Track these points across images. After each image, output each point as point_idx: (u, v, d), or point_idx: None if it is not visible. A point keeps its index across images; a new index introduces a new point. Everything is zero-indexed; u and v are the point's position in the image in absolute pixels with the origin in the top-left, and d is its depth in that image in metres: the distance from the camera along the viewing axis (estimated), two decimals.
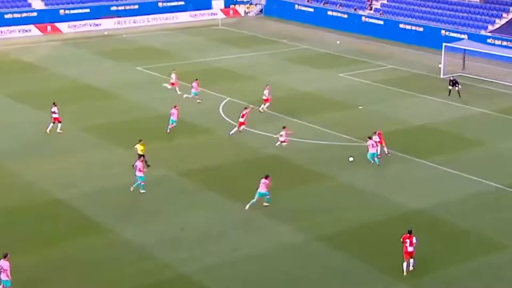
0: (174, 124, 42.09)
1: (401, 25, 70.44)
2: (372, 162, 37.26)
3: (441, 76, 56.59)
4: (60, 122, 42.03)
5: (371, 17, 73.31)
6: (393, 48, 67.42)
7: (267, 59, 63.37)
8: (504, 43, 61.69)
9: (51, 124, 41.96)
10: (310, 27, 77.31)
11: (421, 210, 32.50)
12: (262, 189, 31.82)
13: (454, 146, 40.77)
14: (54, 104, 42.29)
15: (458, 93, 50.06)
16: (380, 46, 68.70)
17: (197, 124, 44.48)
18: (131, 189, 33.93)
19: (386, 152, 38.52)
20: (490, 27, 65.78)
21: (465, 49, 58.20)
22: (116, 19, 77.75)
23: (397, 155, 39.30)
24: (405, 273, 26.82)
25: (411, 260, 26.90)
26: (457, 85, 50.36)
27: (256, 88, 50.37)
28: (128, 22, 78.20)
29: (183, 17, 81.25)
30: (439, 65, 57.65)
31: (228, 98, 49.61)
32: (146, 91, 52.03)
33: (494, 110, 47.57)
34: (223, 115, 46.32)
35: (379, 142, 38.13)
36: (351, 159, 37.51)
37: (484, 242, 29.66)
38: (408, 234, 26.86)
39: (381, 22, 72.34)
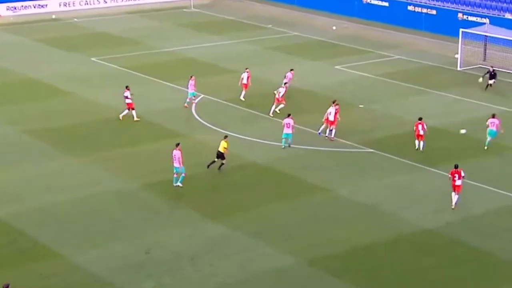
0: (194, 96, 46.86)
1: (410, 7, 71.12)
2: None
3: (458, 69, 57.22)
4: None
5: None
6: (400, 35, 67.97)
7: (249, 48, 63.64)
8: None
9: None
10: (300, 10, 77.69)
11: (434, 229, 32.83)
12: (287, 130, 39.54)
13: (474, 152, 41.25)
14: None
15: (488, 86, 50.62)
16: (384, 32, 69.23)
17: (165, 126, 44.64)
18: (177, 184, 35.74)
19: (332, 136, 41.12)
20: None
21: (486, 36, 58.86)
22: (65, 0, 77.77)
23: (405, 163, 39.71)
24: (453, 206, 33.74)
25: (456, 196, 33.83)
26: (494, 78, 50.88)
27: (235, 83, 50.61)
28: (80, 4, 78.26)
29: None
30: (456, 55, 58.27)
31: (202, 95, 49.82)
32: (104, 87, 52.12)
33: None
34: (196, 116, 46.52)
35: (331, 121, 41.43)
36: (463, 131, 40.08)
37: (509, 266, 30.09)
38: (455, 169, 33.81)
39: (386, 4, 72.99)
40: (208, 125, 44.78)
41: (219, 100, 49.31)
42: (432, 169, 38.86)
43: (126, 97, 45.01)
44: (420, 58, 60.59)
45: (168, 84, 52.63)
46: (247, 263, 29.95)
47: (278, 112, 45.92)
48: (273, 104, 46.25)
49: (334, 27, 70.12)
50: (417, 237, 32.09)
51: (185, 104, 47.72)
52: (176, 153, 36.01)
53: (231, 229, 32.37)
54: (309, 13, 76.62)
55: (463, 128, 41.69)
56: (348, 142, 42.32)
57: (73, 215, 33.75)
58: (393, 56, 61.22)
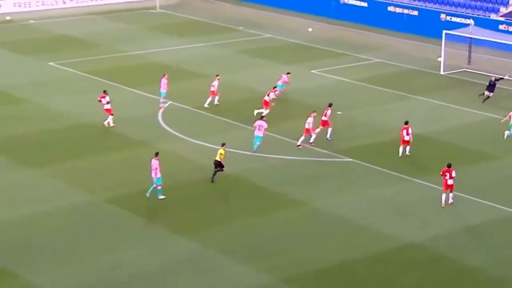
0: (164, 98, 47.75)
1: (390, 8, 71.49)
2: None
3: (441, 72, 57.55)
4: None
5: None
6: (380, 37, 68.26)
7: (219, 52, 63.56)
8: None
9: None
10: (273, 11, 77.81)
11: (418, 243, 32.81)
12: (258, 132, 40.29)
13: (459, 162, 41.27)
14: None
15: (486, 98, 50.14)
16: (363, 34, 69.48)
17: (129, 135, 44.41)
18: (147, 194, 35.64)
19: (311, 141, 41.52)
20: (503, 10, 67.11)
21: (471, 38, 59.24)
22: (20, 0, 77.17)
23: (386, 173, 39.74)
24: (443, 205, 35.35)
25: (450, 194, 35.40)
26: (492, 91, 50.11)
27: (205, 88, 50.52)
28: (36, 4, 77.70)
29: None
30: (439, 59, 58.58)
31: (170, 102, 49.62)
32: (63, 94, 51.81)
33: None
34: (162, 124, 46.31)
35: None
36: (310, 29, 39.48)
37: (497, 284, 30.10)
38: (447, 168, 35.27)
39: (365, 4, 73.31)
40: (176, 133, 44.57)
41: (187, 107, 49.13)
42: (416, 180, 38.90)
43: (108, 102, 45.02)
44: (401, 61, 60.83)
45: (133, 90, 52.36)
46: (219, 282, 29.73)
47: (255, 114, 46.01)
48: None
49: (310, 29, 70.25)
50: (399, 252, 32.05)
51: (160, 105, 48.29)
52: (154, 162, 35.88)
53: (202, 246, 32.15)
54: (283, 14, 76.74)
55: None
56: (325, 151, 42.29)
57: (30, 232, 33.33)
58: (372, 60, 61.42)
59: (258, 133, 41.34)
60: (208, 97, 48.95)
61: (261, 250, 32.11)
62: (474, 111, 49.28)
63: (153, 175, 35.85)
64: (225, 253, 31.66)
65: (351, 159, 41.35)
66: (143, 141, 43.41)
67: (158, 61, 60.25)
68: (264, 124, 41.39)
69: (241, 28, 71.64)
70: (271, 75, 56.41)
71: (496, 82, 50.66)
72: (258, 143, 41.44)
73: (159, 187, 35.94)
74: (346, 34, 69.55)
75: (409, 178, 39.12)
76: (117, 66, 58.40)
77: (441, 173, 35.70)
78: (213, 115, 47.83)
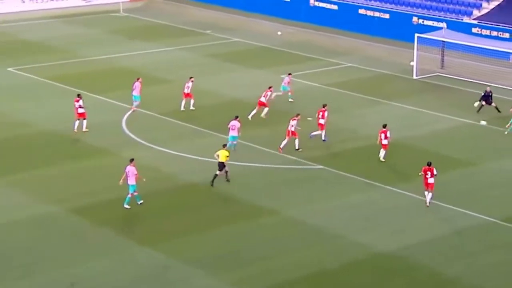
0: (138, 102, 48.12)
1: (361, 11, 71.66)
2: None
3: (414, 77, 57.77)
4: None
5: (322, 1, 74.36)
6: (352, 41, 68.38)
7: (186, 56, 63.37)
8: (494, 33, 63.40)
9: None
10: (242, 14, 77.75)
11: (392, 252, 32.78)
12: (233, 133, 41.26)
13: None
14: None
15: (497, 109, 49.32)
16: (334, 38, 69.59)
17: (92, 143, 44.05)
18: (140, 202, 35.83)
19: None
20: (476, 13, 67.55)
21: (444, 42, 59.53)
22: None
23: (360, 180, 39.70)
24: (427, 204, 36.40)
25: (430, 195, 36.28)
26: (490, 98, 49.57)
27: (171, 94, 50.15)
28: None
29: (72, 1, 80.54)
30: (411, 63, 58.78)
31: (134, 108, 49.34)
32: (23, 100, 51.34)
33: (484, 121, 48.68)
34: (126, 131, 45.99)
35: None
36: (483, 123, 42.00)
37: None
38: (427, 166, 36.22)
39: (335, 7, 73.44)
40: (141, 141, 44.28)
41: (152, 114, 48.85)
42: (389, 187, 38.91)
43: (80, 107, 45.00)
44: (373, 66, 60.98)
45: (96, 96, 51.94)
46: None
47: (264, 117, 47.27)
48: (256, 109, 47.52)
49: (279, 33, 70.26)
50: (373, 261, 31.98)
51: (133, 107, 48.83)
52: (130, 169, 35.79)
53: (169, 257, 31.87)
54: (252, 17, 76.69)
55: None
56: (297, 158, 42.18)
57: None
58: (344, 64, 61.51)
59: (232, 133, 42.14)
60: (182, 100, 49.09)
61: (231, 260, 31.89)
62: (448, 116, 49.43)
63: (129, 182, 35.76)
64: (192, 265, 31.38)
65: (323, 166, 41.28)
66: (106, 149, 43.09)
67: (122, 66, 59.90)
68: (237, 123, 42.12)
69: (208, 31, 71.50)
70: (240, 80, 56.40)
71: (491, 93, 50.31)
72: (234, 142, 42.07)
73: (136, 194, 35.90)
74: (316, 37, 69.64)
75: (382, 185, 39.10)
76: (80, 72, 57.96)
77: (421, 172, 36.53)
78: (179, 122, 47.56)
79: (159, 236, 33.53)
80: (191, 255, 32.15)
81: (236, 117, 42.66)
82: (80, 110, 45.08)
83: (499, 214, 36.08)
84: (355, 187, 38.98)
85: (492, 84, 54.45)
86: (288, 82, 51.69)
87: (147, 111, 49.20)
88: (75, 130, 44.92)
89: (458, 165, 41.86)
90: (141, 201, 36.10)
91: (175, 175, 39.57)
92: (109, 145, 43.61)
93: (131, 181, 35.78)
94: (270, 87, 48.81)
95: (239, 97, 52.15)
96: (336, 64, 61.53)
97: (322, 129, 44.10)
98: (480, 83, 54.33)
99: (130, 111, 48.47)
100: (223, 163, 38.54)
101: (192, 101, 49.39)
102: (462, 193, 38.36)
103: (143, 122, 47.60)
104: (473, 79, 54.73)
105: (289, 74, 52.62)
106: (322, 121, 44.07)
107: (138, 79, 49.20)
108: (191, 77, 49.79)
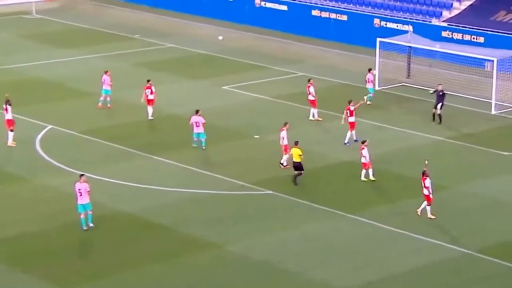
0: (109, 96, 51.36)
1: (315, 12, 72.05)
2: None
3: (376, 87, 58.01)
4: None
5: (270, 0, 74.61)
6: (304, 47, 68.72)
7: (111, 65, 62.73)
8: (467, 37, 64.13)
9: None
10: (176, 16, 77.82)
11: None
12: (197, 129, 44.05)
13: (399, 193, 41.64)
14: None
15: (439, 117, 50.90)
16: (284, 43, 69.86)
17: (0, 167, 43.63)
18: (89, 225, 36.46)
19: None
20: (446, 14, 68.29)
21: (410, 47, 60.02)
22: None
23: (315, 207, 39.72)
24: (419, 213, 38.50)
25: (428, 207, 38.35)
26: (442, 102, 50.96)
27: (93, 109, 49.77)
28: None
29: None
30: (219, 37, 59.86)
31: (50, 126, 49.06)
32: None
33: (456, 136, 49.17)
34: (41, 153, 45.58)
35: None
36: (220, 38, 40.49)
37: None
38: (422, 175, 38.22)
39: (285, 8, 73.76)
40: (58, 164, 43.93)
41: (71, 132, 48.44)
42: (350, 215, 38.98)
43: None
44: (329, 75, 61.25)
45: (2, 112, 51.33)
46: None
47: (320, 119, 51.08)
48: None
49: (220, 37, 70.25)
50: None
51: (99, 104, 51.07)
52: (83, 186, 36.20)
53: None
54: (188, 20, 76.85)
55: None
56: (241, 183, 42.12)
57: None
58: (295, 73, 61.72)
59: (197, 129, 45.26)
60: (147, 106, 50.65)
61: None
62: (415, 132, 49.76)
63: (80, 202, 36.11)
64: None
65: (271, 191, 41.23)
66: (16, 174, 42.77)
67: (35, 76, 59.69)
68: (201, 119, 44.59)
69: (137, 36, 71.36)
70: (174, 92, 56.12)
71: (441, 93, 51.24)
72: (202, 140, 44.74)
73: (89, 212, 36.51)
74: (263, 43, 69.83)
75: (340, 213, 39.15)
76: None
77: (421, 180, 38.56)
78: (103, 141, 47.33)
79: (82, 275, 33.15)
80: None
81: (197, 112, 44.71)
82: (8, 117, 46.15)
83: (474, 245, 36.26)
84: (311, 215, 38.97)
85: (466, 96, 55.05)
86: (372, 81, 54.44)
87: (65, 129, 48.80)
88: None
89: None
90: (92, 224, 36.63)
91: (103, 203, 39.15)
92: (21, 170, 43.31)
93: (85, 200, 36.17)
94: (309, 80, 51.56)
95: (174, 112, 51.92)
96: (286, 73, 61.70)
97: (351, 129, 47.36)
98: (452, 94, 54.64)
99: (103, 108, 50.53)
100: (299, 163, 40.10)
101: (151, 109, 50.80)
102: (433, 221, 38.53)
103: (60, 142, 47.22)
104: (446, 90, 55.09)
105: (370, 69, 55.03)
106: (352, 119, 47.35)
107: (106, 72, 51.74)
108: (148, 80, 51.17)
